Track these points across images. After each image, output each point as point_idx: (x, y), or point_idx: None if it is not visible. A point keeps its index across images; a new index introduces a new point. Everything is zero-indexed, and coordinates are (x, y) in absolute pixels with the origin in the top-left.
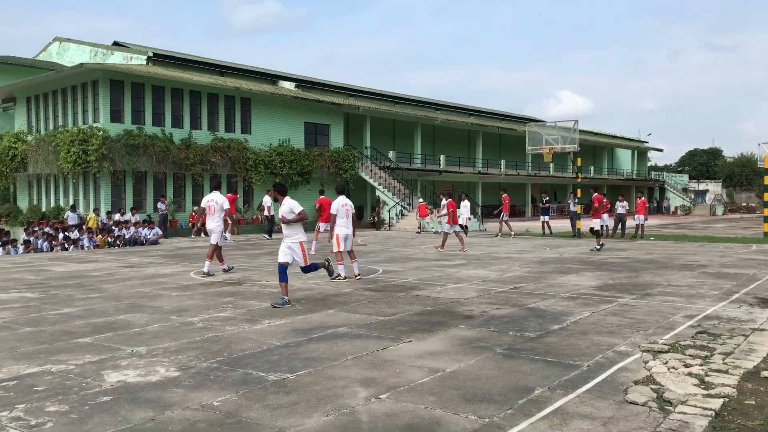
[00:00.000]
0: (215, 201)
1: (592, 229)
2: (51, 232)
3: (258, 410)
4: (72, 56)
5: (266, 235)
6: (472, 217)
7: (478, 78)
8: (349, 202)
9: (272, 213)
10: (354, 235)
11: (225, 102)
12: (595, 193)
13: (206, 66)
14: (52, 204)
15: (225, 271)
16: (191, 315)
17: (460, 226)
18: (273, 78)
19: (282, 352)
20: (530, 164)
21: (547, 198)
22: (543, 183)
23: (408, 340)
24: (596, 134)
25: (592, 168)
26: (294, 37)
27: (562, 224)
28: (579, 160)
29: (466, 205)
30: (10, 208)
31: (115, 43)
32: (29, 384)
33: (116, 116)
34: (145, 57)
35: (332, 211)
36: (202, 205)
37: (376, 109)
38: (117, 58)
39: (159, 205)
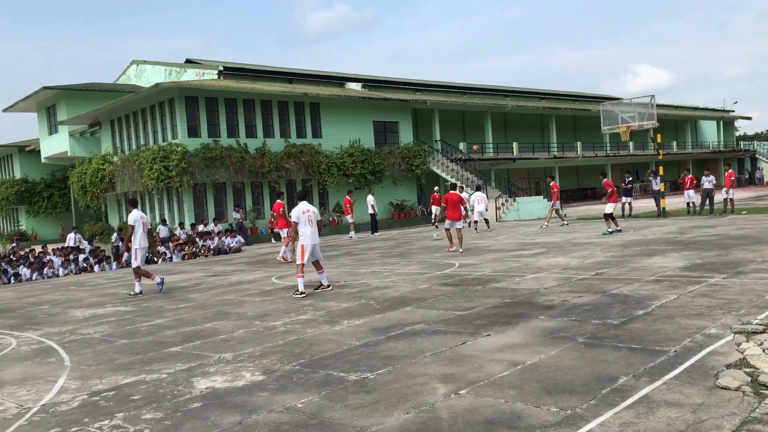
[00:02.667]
0: (144, 217)
1: (605, 215)
2: None
3: (340, 410)
4: (149, 77)
5: (371, 233)
6: (486, 209)
7: (549, 61)
8: (313, 209)
9: (375, 210)
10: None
11: (295, 108)
12: (605, 179)
13: (275, 75)
14: None
15: (159, 284)
16: (274, 319)
17: (479, 221)
18: (340, 80)
19: (361, 352)
20: (608, 144)
21: (630, 179)
22: (623, 163)
23: (487, 333)
24: (677, 107)
25: (674, 143)
26: (364, 37)
27: (646, 204)
28: (659, 136)
29: (478, 196)
30: (102, 226)
31: (188, 61)
32: (126, 393)
33: (193, 131)
34: (217, 71)
35: (293, 218)
36: (134, 222)
37: (444, 101)
38: (190, 75)
39: (234, 214)
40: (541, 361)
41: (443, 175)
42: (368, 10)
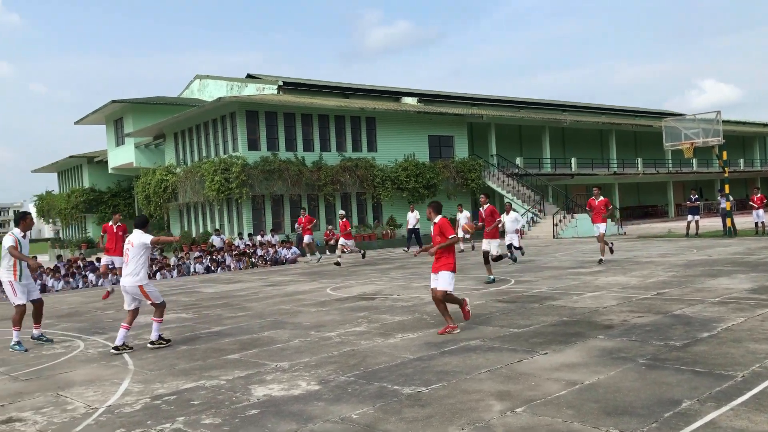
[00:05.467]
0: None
1: (486, 253)
2: (200, 254)
3: (394, 423)
4: (211, 91)
5: (404, 249)
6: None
7: (609, 76)
8: (137, 241)
9: (409, 227)
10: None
11: (351, 123)
12: (487, 205)
13: (332, 89)
14: (201, 230)
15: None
16: (328, 330)
17: (513, 246)
18: (396, 95)
19: (416, 366)
20: (670, 161)
21: (696, 196)
22: (686, 180)
23: (543, 352)
24: (744, 123)
25: (741, 161)
26: (424, 53)
27: (711, 223)
28: (725, 153)
29: (512, 218)
30: (165, 235)
31: (249, 76)
32: (187, 398)
33: (253, 144)
34: (276, 86)
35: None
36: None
37: (500, 116)
38: (251, 90)
39: (296, 226)
40: (599, 381)
41: (499, 190)
42: (431, 27)
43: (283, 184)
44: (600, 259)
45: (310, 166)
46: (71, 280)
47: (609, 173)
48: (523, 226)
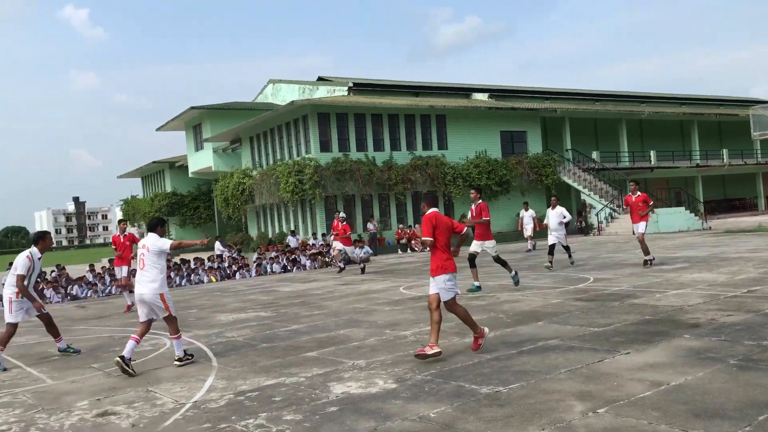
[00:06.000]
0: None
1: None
2: (277, 254)
3: (473, 422)
4: (284, 95)
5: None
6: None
7: (689, 64)
8: (152, 244)
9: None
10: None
11: (421, 121)
12: (479, 201)
13: (401, 89)
14: (277, 230)
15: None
16: (403, 329)
17: (563, 246)
18: (466, 91)
19: (493, 365)
20: (759, 151)
21: None
22: None
23: (625, 351)
24: None
25: None
26: (494, 48)
27: None
28: None
29: (557, 213)
30: (243, 236)
31: (319, 78)
32: (268, 395)
33: (325, 146)
34: (346, 88)
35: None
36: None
37: (575, 109)
38: (322, 92)
39: (368, 225)
40: (687, 382)
41: (575, 185)
42: (500, 22)
43: (355, 184)
44: (646, 260)
45: (381, 166)
46: None
47: (691, 165)
48: (569, 222)
